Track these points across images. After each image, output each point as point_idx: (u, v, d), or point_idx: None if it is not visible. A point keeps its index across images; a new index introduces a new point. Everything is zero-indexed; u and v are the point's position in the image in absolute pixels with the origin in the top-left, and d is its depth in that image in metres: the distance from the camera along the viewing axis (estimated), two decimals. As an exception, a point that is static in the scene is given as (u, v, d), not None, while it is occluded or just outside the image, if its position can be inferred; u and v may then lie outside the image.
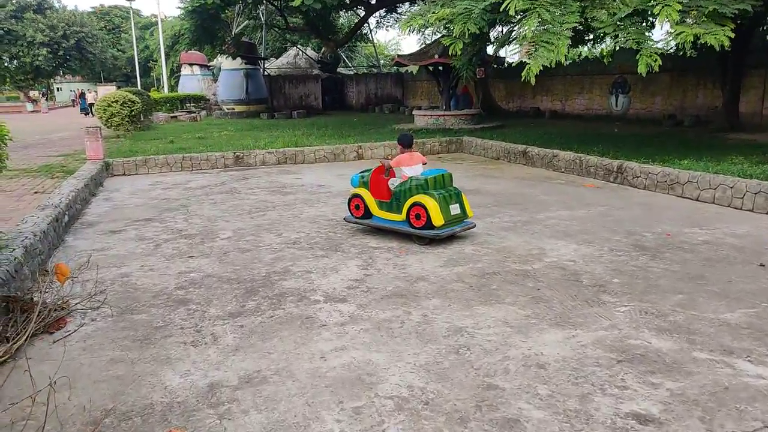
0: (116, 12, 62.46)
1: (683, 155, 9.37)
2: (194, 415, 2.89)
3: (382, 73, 32.14)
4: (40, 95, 45.35)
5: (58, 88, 61.13)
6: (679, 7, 7.82)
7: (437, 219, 5.56)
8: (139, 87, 36.54)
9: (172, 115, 24.38)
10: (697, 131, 14.04)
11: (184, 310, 4.28)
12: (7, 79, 46.83)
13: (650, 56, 8.33)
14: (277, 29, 30.59)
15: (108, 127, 16.47)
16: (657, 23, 8.62)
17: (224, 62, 25.84)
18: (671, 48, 14.86)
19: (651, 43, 8.48)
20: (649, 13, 9.37)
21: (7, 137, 4.76)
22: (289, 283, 4.78)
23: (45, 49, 42.38)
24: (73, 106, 44.91)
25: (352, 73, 34.34)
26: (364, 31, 32.29)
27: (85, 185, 8.44)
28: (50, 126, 24.24)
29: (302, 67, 30.71)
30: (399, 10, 27.80)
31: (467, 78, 14.82)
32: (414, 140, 6.33)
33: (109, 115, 16.19)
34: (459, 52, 10.15)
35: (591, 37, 13.39)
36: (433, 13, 9.72)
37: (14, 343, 3.49)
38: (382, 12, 27.98)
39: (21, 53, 42.31)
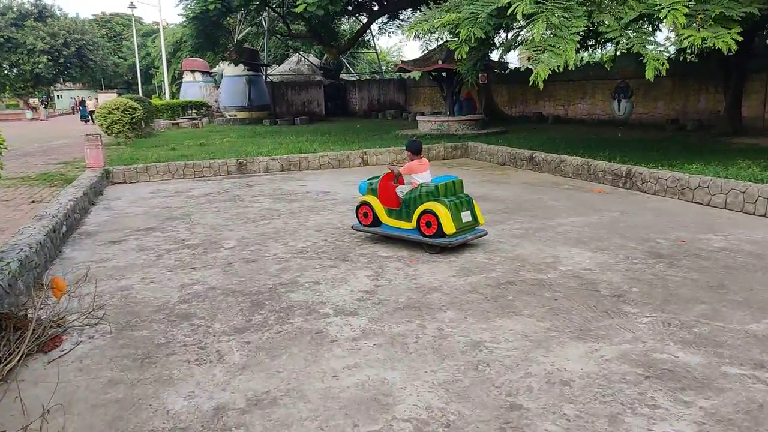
0: (117, 20, 62.60)
1: (690, 160, 9.23)
2: (201, 439, 2.72)
3: (384, 79, 32.10)
4: (40, 103, 45.31)
5: (58, 96, 61.15)
6: (686, 11, 7.70)
7: (448, 227, 5.40)
8: (140, 94, 36.51)
9: (173, 122, 24.30)
10: (700, 136, 13.93)
11: (187, 325, 4.12)
12: (7, 87, 46.84)
13: (657, 60, 8.23)
14: (279, 36, 30.57)
15: (109, 135, 16.37)
16: (664, 27, 8.49)
17: (226, 69, 25.77)
18: (671, 54, 14.79)
19: (658, 47, 8.37)
20: (655, 17, 9.29)
21: (1, 146, 4.60)
22: (297, 296, 4.62)
23: (45, 56, 42.40)
24: (73, 114, 44.86)
25: (354, 79, 34.27)
26: (367, 38, 32.26)
27: (84, 194, 8.30)
28: (50, 133, 24.15)
29: (305, 73, 30.68)
30: (401, 17, 27.76)
31: (471, 83, 14.71)
32: (423, 146, 6.18)
33: (110, 123, 16.08)
34: (464, 57, 10.03)
35: (592, 42, 13.32)
36: (439, 18, 9.60)
37: (6, 365, 3.32)
38: (384, 18, 27.93)
39: (21, 61, 42.35)
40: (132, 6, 37.40)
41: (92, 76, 50.35)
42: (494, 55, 16.43)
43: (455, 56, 10.17)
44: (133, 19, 43.95)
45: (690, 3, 7.70)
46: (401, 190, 6.01)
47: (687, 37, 7.61)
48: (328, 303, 4.44)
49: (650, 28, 9.12)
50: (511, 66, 23.75)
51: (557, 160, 10.38)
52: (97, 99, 34.00)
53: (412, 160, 5.94)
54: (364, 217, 6.08)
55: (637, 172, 8.61)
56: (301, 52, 33.31)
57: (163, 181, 11.15)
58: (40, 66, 42.57)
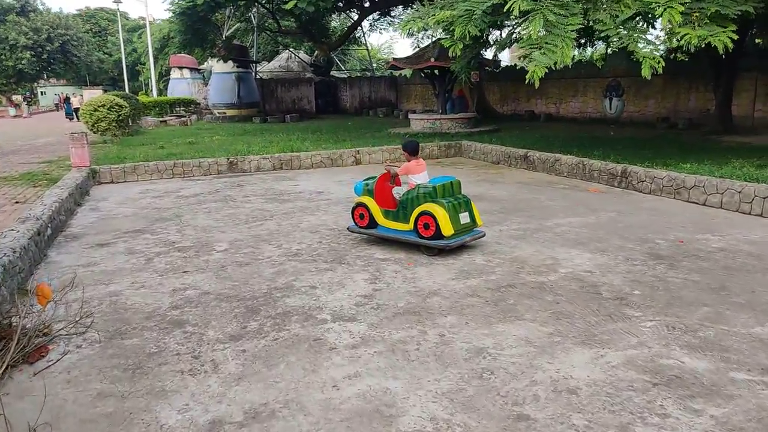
0: (102, 14, 61.70)
1: (683, 158, 9.23)
2: (197, 456, 2.60)
3: (375, 77, 31.92)
4: (22, 99, 44.54)
5: (42, 92, 60.17)
6: (682, 9, 7.67)
7: (447, 228, 5.30)
8: (126, 91, 36.04)
9: (161, 119, 23.96)
10: (691, 134, 13.99)
11: (180, 332, 3.98)
12: (-10, 84, 46.07)
13: (653, 59, 8.19)
14: (269, 32, 30.29)
15: (94, 132, 16.06)
16: (660, 25, 8.45)
17: (215, 65, 25.47)
18: (661, 52, 14.84)
19: (650, 46, 8.35)
20: (650, 15, 9.25)
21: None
22: (293, 301, 4.50)
23: (28, 52, 41.72)
24: (57, 111, 44.18)
25: (345, 76, 34.08)
26: (358, 35, 32.08)
27: (69, 194, 8.09)
28: (33, 131, 23.71)
29: (295, 70, 30.44)
30: (392, 14, 27.62)
31: (464, 81, 14.63)
32: (420, 147, 6.08)
33: (96, 120, 15.78)
34: (459, 54, 9.93)
35: (583, 41, 13.30)
36: (433, 15, 9.48)
37: (-8, 377, 3.17)
38: (375, 15, 27.75)
39: (3, 57, 41.61)
40: (117, 0, 36.85)
41: (77, 72, 49.66)
42: (489, 53, 16.38)
43: (449, 54, 10.07)
44: (118, 13, 43.32)
45: (685, 1, 7.67)
46: (398, 191, 5.90)
47: (683, 36, 7.58)
48: (326, 308, 4.33)
49: (645, 26, 9.10)
50: (503, 64, 23.72)
51: (552, 159, 10.33)
52: (82, 96, 33.49)
53: (408, 161, 5.84)
54: (360, 219, 5.97)
55: (633, 172, 8.58)
56: (291, 49, 33.04)
57: (152, 181, 10.94)
58: (23, 62, 41.87)
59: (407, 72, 25.99)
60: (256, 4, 22.63)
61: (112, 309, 4.46)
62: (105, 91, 33.21)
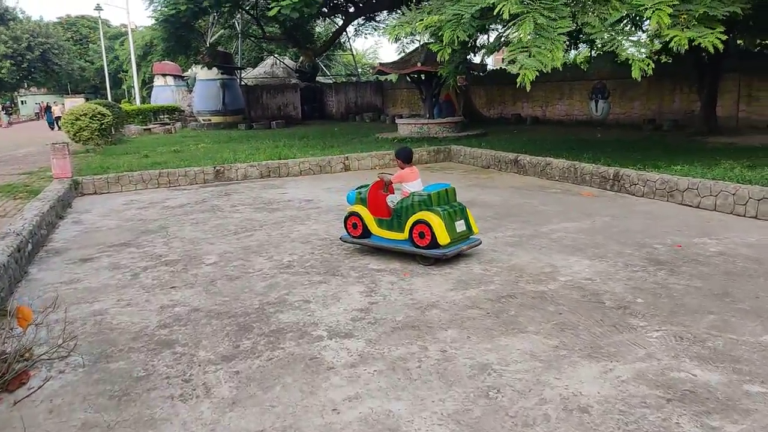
0: (83, 22, 60.89)
1: (672, 160, 9.23)
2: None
3: (361, 82, 31.81)
4: (1, 109, 43.69)
5: (22, 102, 59.14)
6: (670, 11, 7.67)
7: (443, 237, 5.17)
8: (109, 99, 35.52)
9: (145, 127, 23.59)
10: (676, 135, 14.07)
11: (169, 353, 3.79)
12: (-31, 93, 45.14)
13: (643, 61, 8.18)
14: (253, 39, 30.05)
15: (76, 142, 15.72)
16: (649, 27, 8.45)
17: (199, 72, 25.18)
18: (645, 55, 14.94)
19: (639, 48, 8.35)
20: (639, 17, 9.26)
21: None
22: (287, 316, 4.33)
23: (8, 61, 40.98)
24: (38, 120, 43.44)
25: (331, 82, 33.94)
26: (343, 40, 31.95)
27: (51, 207, 7.82)
28: (13, 141, 23.20)
29: (280, 76, 30.22)
30: (377, 19, 27.57)
31: (452, 85, 14.57)
32: (413, 154, 5.95)
33: (78, 129, 15.43)
34: (447, 59, 9.86)
35: (571, 44, 13.33)
36: (421, 20, 9.40)
37: (-31, 409, 2.96)
38: (360, 20, 27.69)
39: (-17, 66, 40.83)
40: (98, 8, 36.38)
41: (58, 80, 48.92)
42: (475, 58, 16.35)
43: (438, 58, 9.99)
44: (99, 21, 42.72)
45: (674, 3, 7.66)
46: (392, 200, 5.76)
47: (673, 37, 7.57)
48: (321, 324, 4.16)
49: (633, 29, 9.12)
50: (489, 68, 23.73)
51: (543, 162, 10.27)
52: (63, 104, 32.92)
53: (402, 168, 5.70)
54: (353, 228, 5.81)
55: (625, 175, 8.54)
56: (275, 55, 32.81)
57: (137, 191, 10.68)
58: (2, 71, 41.13)
59: (393, 77, 25.92)
60: (240, 10, 22.42)
61: (97, 329, 4.25)
62: (87, 99, 32.67)
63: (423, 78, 17.44)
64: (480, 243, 5.67)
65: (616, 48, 8.22)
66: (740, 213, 6.89)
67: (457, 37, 8.81)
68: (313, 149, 13.81)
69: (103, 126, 15.83)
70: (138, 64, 37.16)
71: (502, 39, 10.19)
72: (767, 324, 3.89)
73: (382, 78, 28.61)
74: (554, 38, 7.79)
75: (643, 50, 8.68)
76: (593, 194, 8.66)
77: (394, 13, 23.27)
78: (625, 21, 8.67)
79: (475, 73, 19.88)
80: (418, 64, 16.34)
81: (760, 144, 11.26)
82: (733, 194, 6.95)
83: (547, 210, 7.64)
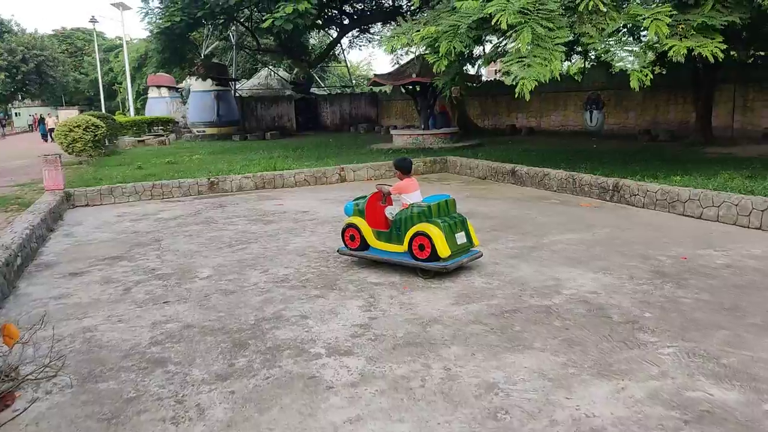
0: (79, 35, 60.90)
1: (670, 171, 9.18)
2: None
3: (356, 93, 31.85)
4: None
5: (16, 113, 58.89)
6: (669, 21, 7.65)
7: (443, 250, 5.04)
8: (103, 110, 35.38)
9: (139, 139, 23.44)
10: (673, 146, 14.07)
11: (161, 372, 3.62)
12: (-37, 105, 44.91)
13: (641, 71, 8.15)
14: (248, 50, 30.08)
15: (70, 154, 15.55)
16: (647, 37, 8.43)
17: (194, 84, 25.12)
18: (636, 68, 14.92)
19: (643, 57, 8.33)
20: (636, 28, 9.25)
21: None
22: (284, 333, 4.17)
23: (3, 73, 40.85)
24: (31, 132, 43.18)
25: (325, 93, 33.96)
26: (337, 52, 32.05)
27: (42, 220, 7.65)
28: (7, 153, 22.98)
29: (275, 88, 30.21)
30: (372, 31, 27.67)
31: (448, 97, 14.54)
32: (413, 165, 5.84)
33: (71, 141, 15.28)
34: (444, 70, 9.79)
35: (570, 54, 13.33)
36: (417, 31, 9.34)
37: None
38: (354, 32, 27.77)
39: (-23, 78, 40.66)
40: (93, 20, 36.37)
41: (52, 92, 48.77)
42: (471, 69, 16.34)
43: (434, 70, 9.92)
44: (94, 33, 42.73)
45: (672, 13, 7.64)
46: (390, 211, 5.64)
47: (671, 47, 7.54)
48: (319, 340, 4.01)
49: (631, 39, 9.10)
50: (483, 79, 23.79)
51: (540, 173, 10.19)
52: (57, 116, 32.74)
53: (401, 179, 5.59)
54: (351, 240, 5.67)
55: (625, 185, 8.46)
56: (270, 67, 32.84)
57: (130, 203, 10.50)
58: (-4, 83, 40.93)
59: (388, 88, 25.94)
60: (234, 22, 22.43)
61: (86, 347, 4.08)
62: (81, 111, 32.56)
63: (418, 89, 17.44)
64: (481, 255, 5.55)
65: (611, 59, 8.21)
66: (744, 224, 6.81)
67: (454, 48, 8.76)
68: (308, 160, 13.71)
69: (97, 137, 15.68)
70: (132, 75, 37.11)
71: (499, 49, 10.16)
72: (780, 339, 3.77)
73: (376, 89, 28.69)
74: (552, 48, 7.75)
75: (637, 61, 8.68)
76: (592, 205, 8.57)
77: (388, 25, 23.35)
78: (622, 31, 8.65)
79: (470, 84, 19.91)
80: (414, 75, 16.34)
81: (757, 154, 11.25)
82: (737, 205, 6.87)
83: (547, 221, 7.53)
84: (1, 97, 44.84)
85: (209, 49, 26.77)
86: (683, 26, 8.00)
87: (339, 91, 34.16)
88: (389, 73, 19.06)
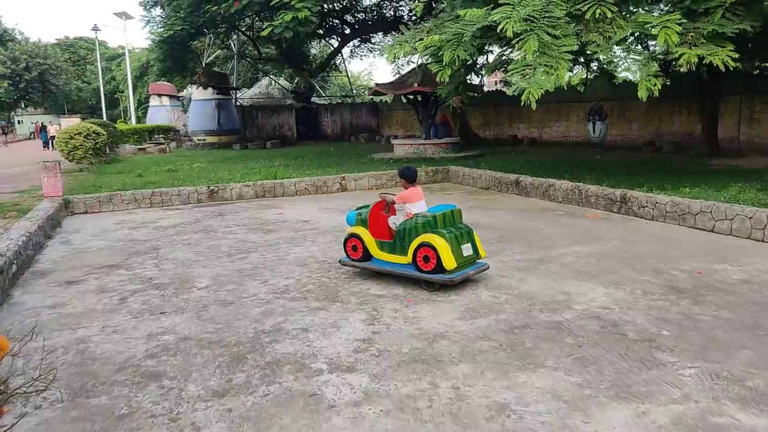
0: (81, 44, 61.16)
1: (678, 182, 9.03)
2: None
3: (356, 103, 31.82)
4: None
5: (19, 121, 58.97)
6: (679, 29, 7.53)
7: (449, 262, 4.87)
8: (105, 119, 35.37)
9: (140, 147, 23.35)
10: (678, 157, 13.92)
11: (155, 387, 3.45)
12: (-35, 113, 45.00)
13: (650, 81, 8.03)
14: (249, 59, 30.10)
15: (70, 161, 15.44)
16: (657, 46, 8.32)
17: (195, 92, 25.08)
18: (636, 80, 14.76)
19: (651, 66, 8.21)
20: (644, 36, 9.15)
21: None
22: (284, 347, 3.99)
23: (6, 81, 40.94)
24: (33, 139, 43.20)
25: (326, 102, 33.95)
26: (338, 61, 32.08)
27: (39, 227, 7.49)
28: (8, 160, 22.88)
29: (275, 97, 30.21)
30: (373, 40, 27.68)
31: (451, 106, 14.44)
32: (417, 174, 5.69)
33: (72, 148, 15.16)
34: (447, 80, 9.68)
35: (576, 63, 13.26)
36: (420, 40, 9.25)
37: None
38: (355, 42, 27.79)
39: (-20, 86, 40.75)
40: (96, 29, 36.48)
41: (55, 100, 48.88)
42: (474, 79, 16.28)
43: (438, 79, 9.81)
44: (97, 42, 42.85)
45: (681, 21, 7.53)
46: (394, 221, 5.48)
47: (682, 55, 7.42)
48: (320, 355, 3.83)
49: (639, 47, 8.99)
50: (484, 89, 23.75)
51: (545, 184, 10.04)
52: (59, 124, 32.71)
53: (405, 188, 5.43)
54: (353, 251, 5.51)
55: (633, 197, 8.30)
56: (271, 76, 32.87)
57: (129, 211, 10.35)
58: (0, 91, 40.97)
59: (388, 98, 25.90)
60: (236, 31, 22.44)
61: (79, 359, 3.90)
62: (83, 119, 32.53)
63: (419, 99, 17.35)
64: (488, 267, 5.38)
65: (614, 69, 8.10)
66: (758, 238, 6.63)
67: (458, 57, 8.65)
68: (309, 169, 13.57)
69: (97, 145, 15.57)
70: (134, 84, 37.17)
71: (503, 58, 10.06)
72: (805, 358, 3.59)
73: (377, 99, 28.67)
74: (559, 56, 7.63)
75: (643, 70, 8.59)
76: (599, 216, 8.41)
77: (389, 34, 23.35)
78: (630, 40, 8.55)
79: (472, 93, 19.86)
80: (415, 85, 16.26)
81: (765, 166, 11.10)
82: (750, 218, 6.70)
83: (554, 233, 7.37)
84: (4, 105, 44.89)
85: (210, 57, 26.79)
86: (693, 34, 7.88)
87: (340, 101, 34.15)
88: (390, 83, 19.00)
